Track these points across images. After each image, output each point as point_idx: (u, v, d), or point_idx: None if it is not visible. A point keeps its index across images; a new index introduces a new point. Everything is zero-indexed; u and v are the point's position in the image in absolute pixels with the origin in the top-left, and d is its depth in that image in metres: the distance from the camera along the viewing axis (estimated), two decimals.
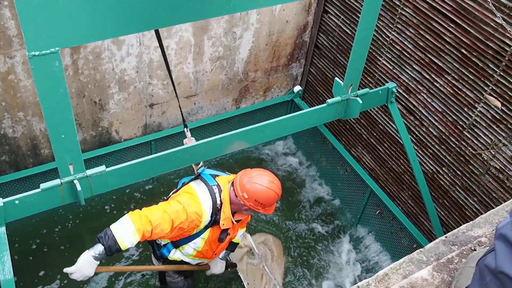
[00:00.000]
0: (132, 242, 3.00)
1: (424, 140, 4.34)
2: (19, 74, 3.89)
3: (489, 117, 3.73)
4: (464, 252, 1.91)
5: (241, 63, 5.10)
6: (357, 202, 5.26)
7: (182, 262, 3.64)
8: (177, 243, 3.49)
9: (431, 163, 4.35)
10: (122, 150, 4.90)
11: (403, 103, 4.41)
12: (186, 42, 4.53)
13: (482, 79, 3.66)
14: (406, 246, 4.76)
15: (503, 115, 3.62)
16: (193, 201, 3.22)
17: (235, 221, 3.43)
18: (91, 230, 4.92)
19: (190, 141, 3.65)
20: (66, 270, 2.95)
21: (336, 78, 3.44)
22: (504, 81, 3.51)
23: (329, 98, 3.47)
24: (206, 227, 3.34)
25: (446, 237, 2.05)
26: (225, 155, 5.78)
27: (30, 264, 4.60)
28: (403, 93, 4.37)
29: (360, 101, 3.50)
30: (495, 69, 3.54)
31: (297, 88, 5.69)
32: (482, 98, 3.73)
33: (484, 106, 3.74)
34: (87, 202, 2.78)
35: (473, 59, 3.67)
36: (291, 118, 3.42)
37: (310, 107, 3.51)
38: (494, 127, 3.71)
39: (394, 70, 4.40)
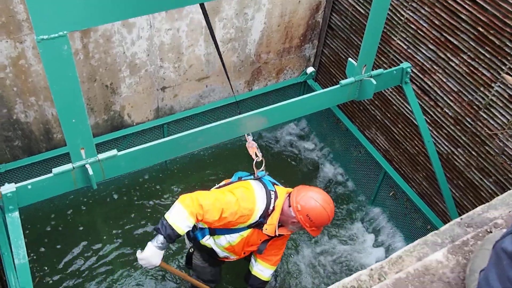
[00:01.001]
0: (189, 225, 3.16)
1: (439, 120, 4.27)
2: (29, 58, 3.88)
3: (506, 96, 3.65)
4: (480, 234, 1.87)
5: (253, 44, 5.04)
6: (371, 184, 5.22)
7: (211, 250, 3.65)
8: (214, 231, 3.51)
9: (446, 144, 4.29)
10: (134, 134, 4.91)
11: (417, 84, 4.33)
12: (197, 24, 4.49)
13: (499, 57, 3.58)
14: (420, 228, 4.72)
15: None
16: (249, 197, 3.30)
17: (278, 234, 3.42)
18: (103, 214, 4.97)
19: (251, 145, 3.70)
20: (137, 255, 3.20)
21: (349, 58, 3.39)
22: None
23: (343, 79, 3.42)
24: (249, 226, 3.38)
25: (461, 219, 2.01)
26: (235, 138, 5.76)
27: (44, 247, 4.65)
28: (418, 73, 4.29)
29: (374, 82, 3.45)
30: None
31: (310, 70, 5.63)
32: (499, 77, 3.64)
33: (500, 85, 3.66)
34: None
35: (490, 37, 3.58)
36: (304, 99, 3.38)
37: (323, 89, 3.46)
38: (511, 106, 3.64)
39: (408, 50, 4.32)
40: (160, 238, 3.15)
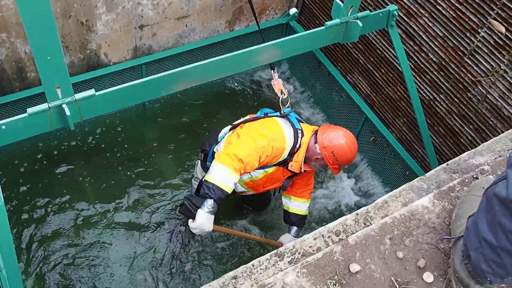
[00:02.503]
0: (235, 182, 3.10)
1: (422, 66, 4.22)
2: None
3: (492, 43, 3.60)
4: (466, 181, 1.87)
5: None
6: (351, 128, 5.16)
7: None
8: None
9: (429, 90, 4.26)
10: (112, 74, 4.75)
11: (403, 28, 4.25)
12: None
13: (488, 2, 3.50)
14: (399, 173, 4.77)
15: (507, 41, 3.49)
16: (279, 136, 3.27)
17: (304, 170, 3.43)
18: (81, 155, 4.88)
19: (277, 82, 3.65)
20: (190, 225, 3.10)
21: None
22: (510, 5, 3.36)
23: (326, 21, 3.32)
24: (275, 164, 3.37)
25: (447, 164, 2.01)
26: (218, 82, 5.65)
27: (19, 190, 4.58)
28: (404, 17, 4.20)
29: (360, 24, 3.37)
30: None
31: (293, 10, 5.47)
32: (486, 22, 3.58)
33: (487, 31, 3.60)
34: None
35: None
36: (287, 41, 3.29)
37: (306, 31, 3.36)
38: (496, 53, 3.60)
39: None
40: (210, 202, 3.05)
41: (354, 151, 3.31)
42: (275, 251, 1.77)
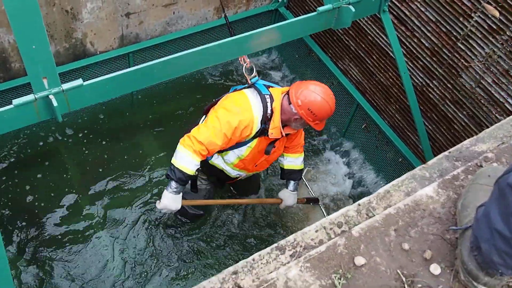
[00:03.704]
0: (196, 164, 3.15)
1: (415, 52, 4.17)
2: None
3: (486, 27, 3.56)
4: (470, 169, 1.82)
5: None
6: (343, 116, 5.16)
7: (221, 171, 3.65)
8: (221, 149, 3.44)
9: (421, 76, 4.22)
10: (98, 64, 4.64)
11: (394, 13, 4.18)
12: None
13: None
14: (392, 160, 4.74)
15: (500, 25, 3.45)
16: (244, 107, 3.21)
17: (285, 134, 3.41)
18: (66, 145, 4.79)
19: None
20: (156, 206, 3.27)
21: None
22: None
23: (316, 7, 3.26)
24: (254, 136, 3.32)
25: (449, 152, 1.96)
26: (202, 72, 5.56)
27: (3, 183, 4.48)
28: (395, 2, 4.13)
29: (353, 9, 3.29)
30: None
31: None
32: (479, 6, 3.53)
33: (481, 15, 3.55)
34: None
35: None
36: (278, 27, 3.20)
37: (295, 17, 3.29)
38: (490, 38, 3.56)
39: None
40: (173, 184, 3.18)
41: (331, 103, 3.23)
42: (275, 244, 1.71)
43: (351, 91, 4.92)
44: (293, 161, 3.82)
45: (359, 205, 1.79)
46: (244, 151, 3.43)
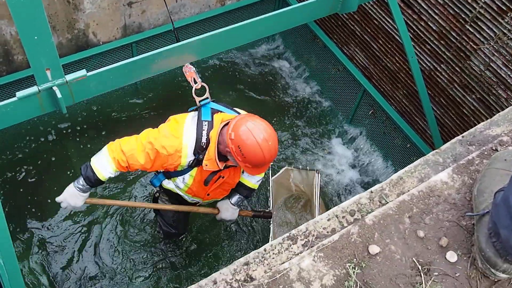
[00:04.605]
0: (110, 172, 2.93)
1: (422, 35, 4.10)
2: None
3: (495, 8, 3.48)
4: (485, 153, 1.78)
5: None
6: (349, 102, 5.11)
7: (178, 195, 3.39)
8: (169, 175, 3.24)
9: (429, 59, 4.15)
10: (101, 54, 4.60)
11: None
12: None
13: None
14: (400, 146, 4.69)
15: (510, 6, 3.38)
16: (175, 134, 2.91)
17: (225, 166, 3.03)
18: (73, 136, 4.75)
19: (188, 69, 3.14)
20: (56, 199, 3.03)
21: None
22: None
23: None
24: (191, 166, 3.02)
25: (462, 136, 1.91)
26: (209, 60, 5.50)
27: (13, 174, 4.46)
28: None
29: None
30: None
31: None
32: None
33: None
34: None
35: None
36: (282, 13, 3.14)
37: (299, 2, 3.22)
38: (499, 19, 3.49)
39: None
40: (80, 180, 2.97)
41: (265, 151, 2.75)
42: (287, 234, 1.68)
43: (357, 77, 4.86)
44: (250, 177, 3.43)
45: (371, 192, 1.75)
46: (187, 180, 3.16)
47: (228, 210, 3.51)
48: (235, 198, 3.49)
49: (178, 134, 2.90)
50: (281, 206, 4.28)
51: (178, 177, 3.18)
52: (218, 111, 3.05)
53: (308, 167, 4.15)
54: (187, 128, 2.93)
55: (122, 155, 2.88)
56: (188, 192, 3.29)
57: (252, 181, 3.45)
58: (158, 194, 3.60)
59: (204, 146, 2.91)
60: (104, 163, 2.91)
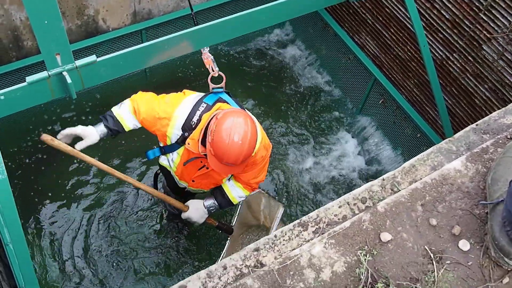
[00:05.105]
0: (133, 123, 2.99)
1: (435, 24, 4.05)
2: None
3: None
4: (500, 141, 1.75)
5: None
6: (359, 91, 5.07)
7: (170, 175, 3.37)
8: (163, 149, 3.20)
9: (441, 48, 4.10)
10: (111, 41, 4.59)
11: None
12: None
13: None
14: (410, 136, 4.66)
15: None
16: (173, 102, 2.94)
17: (203, 154, 2.90)
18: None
19: (206, 57, 3.19)
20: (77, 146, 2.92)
21: None
22: None
23: None
24: (178, 142, 2.98)
25: (476, 125, 1.88)
26: (222, 47, 5.47)
27: (22, 163, 4.48)
28: None
29: None
30: None
31: None
32: None
33: None
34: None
35: None
36: (292, 0, 3.11)
37: None
38: None
39: None
40: (100, 126, 2.96)
41: (229, 146, 2.61)
42: (298, 220, 1.66)
43: (368, 65, 4.81)
44: (233, 188, 3.24)
45: (383, 180, 1.73)
46: (175, 157, 3.13)
47: (198, 211, 3.31)
48: (209, 202, 3.29)
49: (175, 104, 2.93)
50: (243, 228, 4.06)
51: (170, 153, 3.16)
52: (225, 101, 3.00)
53: (277, 197, 3.95)
54: (185, 103, 2.95)
55: (136, 104, 2.97)
56: (176, 173, 3.26)
57: (233, 192, 3.25)
58: (159, 171, 3.65)
59: (194, 126, 2.89)
60: (126, 111, 2.98)
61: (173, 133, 2.94)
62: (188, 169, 3.15)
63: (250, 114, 2.96)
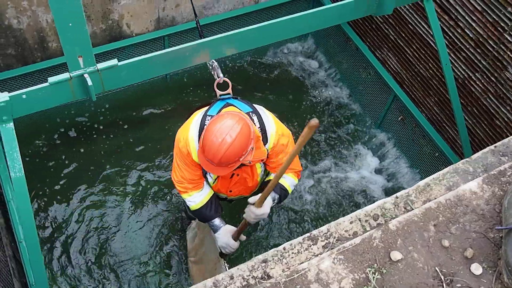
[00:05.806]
0: (198, 197, 3.14)
1: (458, 42, 4.02)
2: None
3: None
4: None
5: None
6: (379, 107, 5.04)
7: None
8: (203, 172, 3.16)
9: (464, 68, 4.06)
10: (134, 46, 4.64)
11: (438, 1, 4.03)
12: None
13: None
14: (428, 154, 4.60)
15: None
16: (186, 125, 2.99)
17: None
18: (99, 129, 4.80)
19: (211, 63, 3.31)
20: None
21: None
22: None
23: None
24: None
25: (495, 146, 1.86)
26: (242, 56, 5.50)
27: (39, 161, 4.54)
28: None
29: None
30: None
31: None
32: None
33: None
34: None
35: None
36: (315, 13, 3.11)
37: (334, 3, 3.18)
38: None
39: None
40: (216, 221, 3.21)
41: (216, 143, 2.62)
42: (308, 234, 1.65)
43: (388, 81, 4.78)
44: (283, 176, 3.08)
45: (396, 197, 1.71)
46: (210, 175, 3.17)
47: (269, 204, 3.09)
48: (272, 195, 3.12)
49: (187, 126, 2.99)
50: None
51: (208, 174, 3.19)
52: (231, 105, 3.01)
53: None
54: (195, 120, 2.99)
55: (179, 184, 3.10)
56: (214, 188, 3.28)
57: (287, 180, 3.21)
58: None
59: None
60: (189, 200, 3.14)
61: (194, 152, 2.94)
62: (221, 181, 3.20)
63: (263, 109, 3.06)
